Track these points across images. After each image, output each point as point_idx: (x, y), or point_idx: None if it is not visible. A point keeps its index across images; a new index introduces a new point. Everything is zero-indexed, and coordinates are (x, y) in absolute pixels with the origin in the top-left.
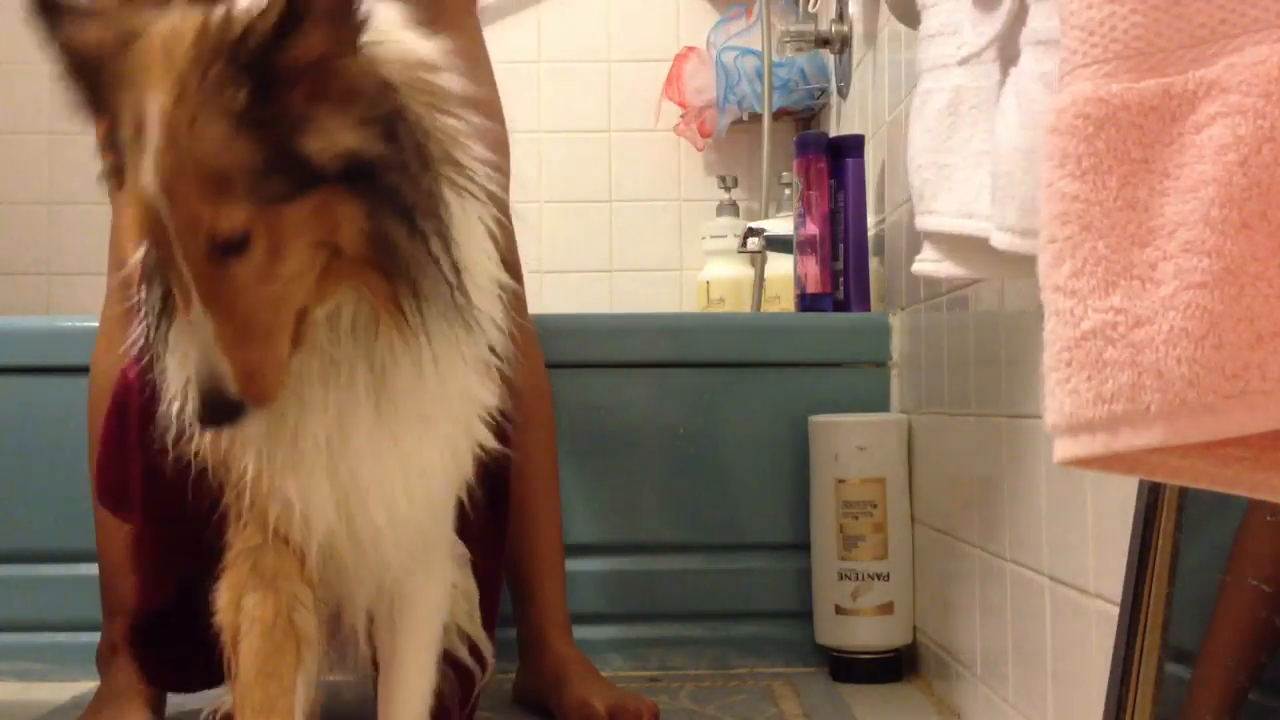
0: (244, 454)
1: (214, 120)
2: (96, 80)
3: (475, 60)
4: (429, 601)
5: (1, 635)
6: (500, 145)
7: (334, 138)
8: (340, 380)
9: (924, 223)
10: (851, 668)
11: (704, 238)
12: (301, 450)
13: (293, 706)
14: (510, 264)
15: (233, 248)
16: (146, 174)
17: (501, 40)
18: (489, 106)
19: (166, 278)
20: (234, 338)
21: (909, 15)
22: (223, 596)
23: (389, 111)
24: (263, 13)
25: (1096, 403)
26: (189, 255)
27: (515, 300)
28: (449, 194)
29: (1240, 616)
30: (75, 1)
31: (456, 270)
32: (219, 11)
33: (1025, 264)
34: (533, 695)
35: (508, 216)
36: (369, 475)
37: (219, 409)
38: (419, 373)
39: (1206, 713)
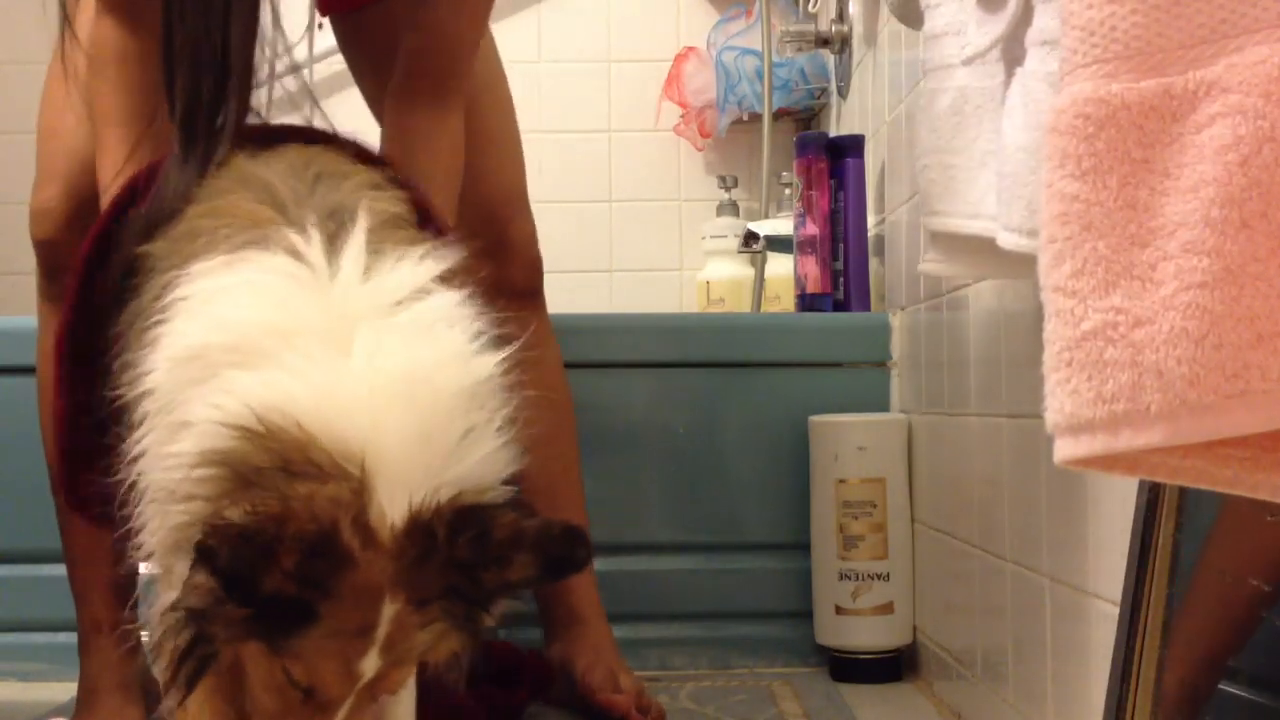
0: None
1: (435, 620)
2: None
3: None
4: None
5: (1, 635)
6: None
7: (498, 608)
8: None
9: (930, 223)
10: (851, 668)
11: (704, 238)
12: None
13: None
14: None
15: None
16: (371, 663)
17: (501, 40)
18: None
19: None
20: None
21: (912, 16)
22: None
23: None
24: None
25: (1097, 403)
26: (357, 702)
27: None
28: None
29: (1214, 608)
30: (253, 550)
31: None
32: (435, 529)
33: (1031, 264)
34: (559, 662)
35: None
36: None
37: None
38: None
39: (1179, 700)
